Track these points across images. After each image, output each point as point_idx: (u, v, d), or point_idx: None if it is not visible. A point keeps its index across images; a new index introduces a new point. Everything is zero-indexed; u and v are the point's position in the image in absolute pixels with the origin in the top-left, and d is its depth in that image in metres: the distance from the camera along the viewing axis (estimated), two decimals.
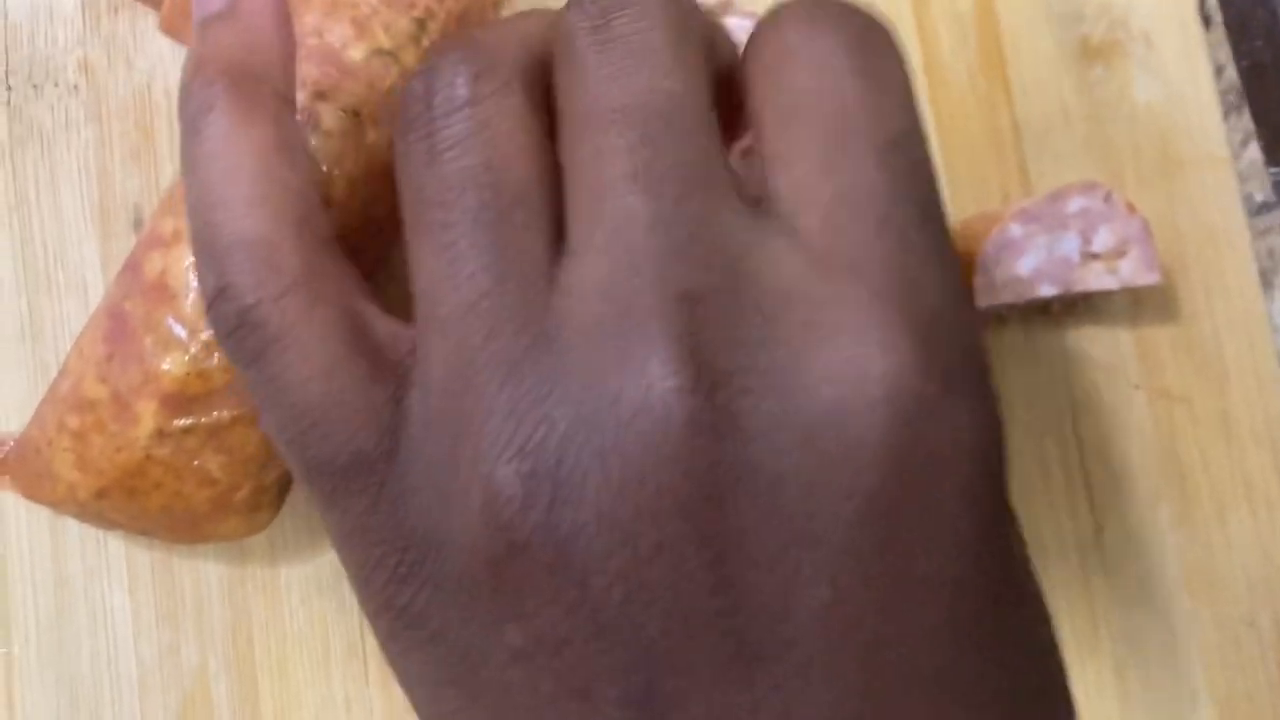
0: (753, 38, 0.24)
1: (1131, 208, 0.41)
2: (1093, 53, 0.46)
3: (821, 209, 0.22)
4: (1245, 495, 0.40)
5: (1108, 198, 0.41)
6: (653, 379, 0.20)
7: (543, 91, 0.24)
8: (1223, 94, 0.45)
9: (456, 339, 0.22)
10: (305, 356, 0.23)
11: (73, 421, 0.33)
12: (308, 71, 0.34)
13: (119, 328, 0.33)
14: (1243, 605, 0.39)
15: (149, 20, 0.39)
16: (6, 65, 0.39)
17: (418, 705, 0.24)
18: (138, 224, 0.38)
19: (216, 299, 0.23)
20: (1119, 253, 0.42)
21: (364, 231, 0.35)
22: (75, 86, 0.39)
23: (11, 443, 0.36)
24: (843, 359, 0.20)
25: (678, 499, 0.20)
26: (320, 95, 0.34)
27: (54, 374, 0.37)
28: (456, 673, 0.22)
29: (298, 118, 0.34)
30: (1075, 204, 0.42)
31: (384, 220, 0.36)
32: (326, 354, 0.23)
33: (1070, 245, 0.41)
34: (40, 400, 0.35)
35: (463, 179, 0.23)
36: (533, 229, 0.22)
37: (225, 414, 0.33)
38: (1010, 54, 0.46)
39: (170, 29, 0.39)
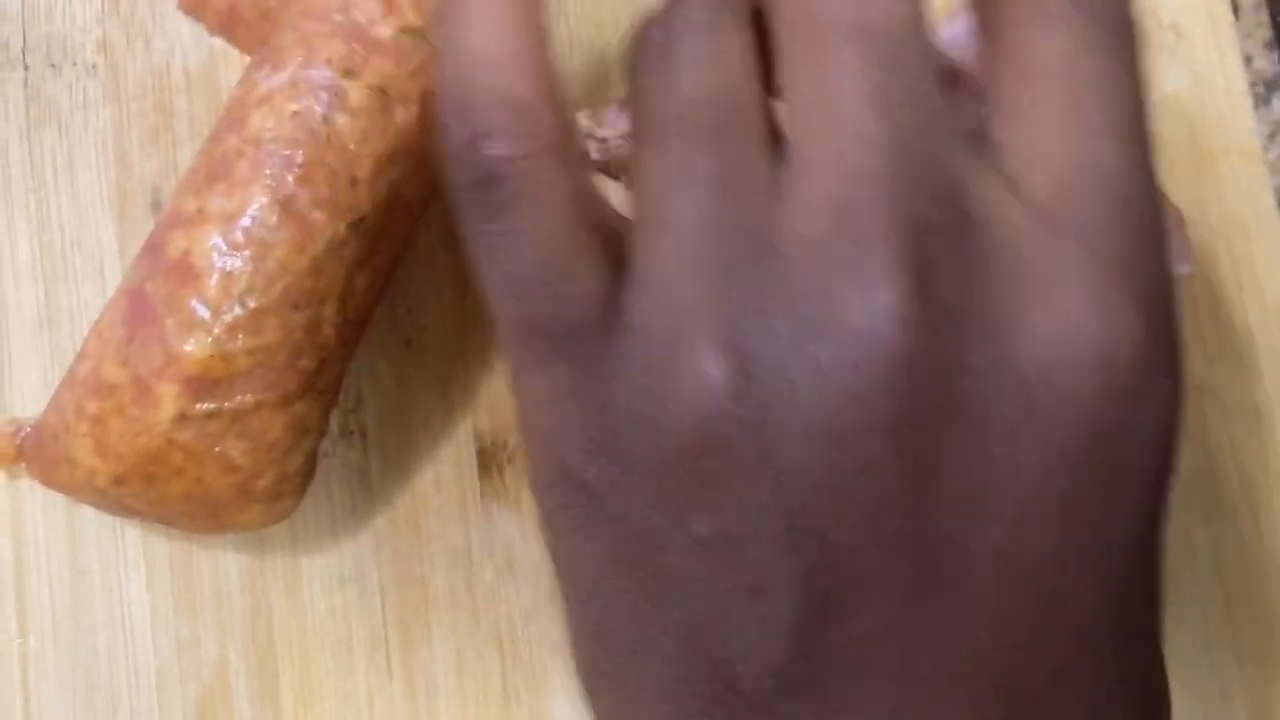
0: None
1: (1163, 197, 0.40)
2: None
3: (1054, 173, 0.23)
4: (1277, 488, 0.39)
5: None
6: (881, 302, 0.20)
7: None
8: (1252, 85, 0.45)
9: (680, 238, 0.22)
10: (549, 216, 0.23)
11: (91, 406, 0.33)
12: (334, 48, 0.33)
13: (140, 309, 0.32)
14: (1275, 601, 0.38)
15: (168, 0, 0.39)
16: (24, 43, 0.38)
17: (573, 585, 0.24)
18: (156, 206, 0.38)
19: (467, 148, 0.24)
20: None
21: (391, 213, 0.34)
22: (93, 66, 0.38)
23: (29, 429, 0.35)
24: (1063, 316, 0.21)
25: (889, 421, 0.20)
26: (348, 72, 0.33)
27: (70, 357, 0.37)
28: (630, 555, 0.22)
29: (323, 95, 0.33)
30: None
31: (411, 202, 0.35)
32: (568, 218, 0.23)
33: None
34: (58, 386, 0.34)
35: (697, 94, 0.23)
36: (757, 143, 0.23)
37: (249, 398, 0.33)
38: None
39: (190, 9, 0.38)
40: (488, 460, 0.38)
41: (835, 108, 0.22)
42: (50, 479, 0.34)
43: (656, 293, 0.23)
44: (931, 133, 0.22)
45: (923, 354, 0.20)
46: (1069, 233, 0.22)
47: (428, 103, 0.34)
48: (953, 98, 0.23)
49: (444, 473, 0.38)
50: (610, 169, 0.40)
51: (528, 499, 0.38)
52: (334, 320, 0.33)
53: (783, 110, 0.24)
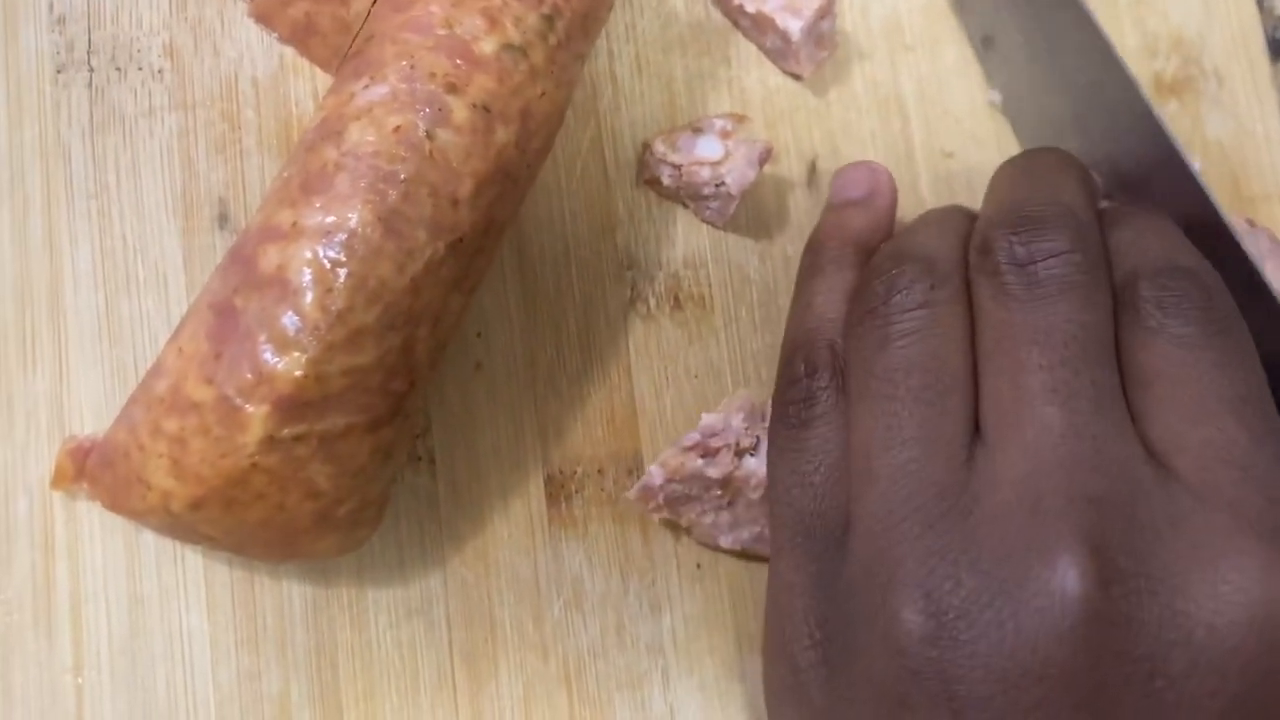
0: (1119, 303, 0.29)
1: (1273, 237, 0.41)
2: (1166, 89, 0.46)
3: (1192, 454, 0.26)
4: None
5: (1254, 226, 0.41)
6: (1062, 567, 0.24)
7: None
8: None
9: (884, 490, 0.27)
10: (837, 434, 0.30)
11: (171, 425, 0.31)
12: (437, 63, 0.32)
13: (228, 324, 0.31)
14: None
15: (238, 7, 0.37)
16: (89, 44, 0.36)
17: None
18: (222, 219, 0.36)
19: (794, 382, 0.32)
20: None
21: (487, 233, 0.33)
22: (160, 71, 0.36)
23: (92, 446, 0.33)
24: (1224, 579, 0.24)
25: (1064, 670, 0.23)
26: (451, 88, 0.32)
27: (132, 374, 0.35)
28: None
29: (426, 110, 0.32)
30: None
31: (504, 221, 0.34)
32: (829, 457, 0.31)
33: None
34: (126, 401, 0.32)
35: (909, 363, 0.28)
36: (959, 415, 0.28)
37: (339, 421, 0.31)
38: None
39: (261, 17, 0.37)
40: (556, 490, 0.37)
41: (1022, 397, 0.27)
42: (116, 501, 0.32)
43: (861, 540, 0.27)
44: (1106, 421, 0.26)
45: (1097, 611, 0.24)
46: (1218, 504, 0.26)
47: (527, 122, 0.33)
48: (1116, 385, 0.28)
49: (512, 502, 0.37)
50: (682, 194, 0.40)
51: (596, 529, 0.37)
52: (427, 342, 0.32)
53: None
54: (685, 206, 0.40)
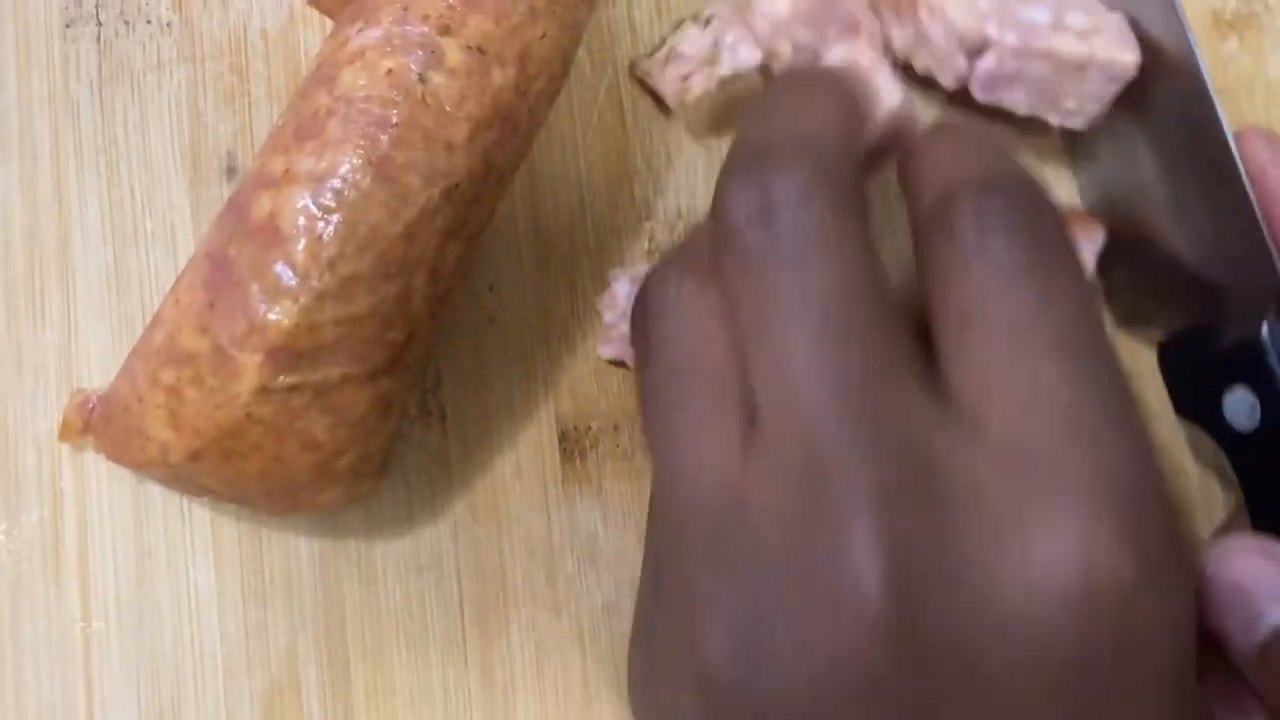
0: (924, 215, 0.25)
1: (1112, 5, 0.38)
2: (1225, 26, 0.44)
3: (1005, 410, 0.23)
4: None
5: None
6: (853, 572, 0.21)
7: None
8: None
9: (669, 510, 0.25)
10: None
11: (167, 376, 0.31)
12: (431, 4, 0.31)
13: (222, 273, 0.31)
14: None
15: None
16: None
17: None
18: (231, 171, 0.36)
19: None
20: (1094, 31, 0.38)
21: (485, 180, 0.32)
22: (168, 24, 0.36)
23: (96, 400, 0.33)
24: (1036, 554, 0.21)
25: (876, 677, 0.21)
26: (445, 30, 0.31)
27: (140, 327, 0.35)
28: None
29: (418, 53, 0.31)
30: None
31: (504, 170, 0.33)
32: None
33: (1039, 14, 0.38)
34: (129, 353, 0.32)
35: (668, 369, 0.26)
36: (727, 411, 0.24)
37: (334, 372, 0.31)
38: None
39: None
40: (570, 445, 0.36)
41: (787, 382, 0.23)
42: (119, 454, 0.32)
43: (656, 562, 0.26)
44: (886, 394, 0.23)
45: (900, 611, 0.21)
46: (1032, 468, 0.22)
47: (525, 64, 0.32)
48: (905, 344, 0.24)
49: (525, 457, 0.36)
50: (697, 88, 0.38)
51: (610, 485, 0.36)
52: (424, 292, 0.31)
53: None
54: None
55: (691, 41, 0.37)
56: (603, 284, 0.38)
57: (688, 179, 0.39)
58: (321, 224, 0.30)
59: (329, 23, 0.37)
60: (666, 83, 0.38)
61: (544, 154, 0.38)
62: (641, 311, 0.27)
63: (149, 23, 0.36)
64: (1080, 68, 0.38)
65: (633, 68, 0.39)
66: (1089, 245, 0.39)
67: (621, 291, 0.37)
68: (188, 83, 0.36)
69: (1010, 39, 0.37)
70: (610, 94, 0.39)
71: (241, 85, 0.36)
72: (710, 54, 0.37)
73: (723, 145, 0.39)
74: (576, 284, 0.38)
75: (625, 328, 0.36)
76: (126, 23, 0.36)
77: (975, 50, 0.39)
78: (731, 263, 0.25)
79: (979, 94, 0.39)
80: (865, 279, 0.24)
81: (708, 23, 0.37)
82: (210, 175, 0.36)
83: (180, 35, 0.36)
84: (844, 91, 0.28)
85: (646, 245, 0.38)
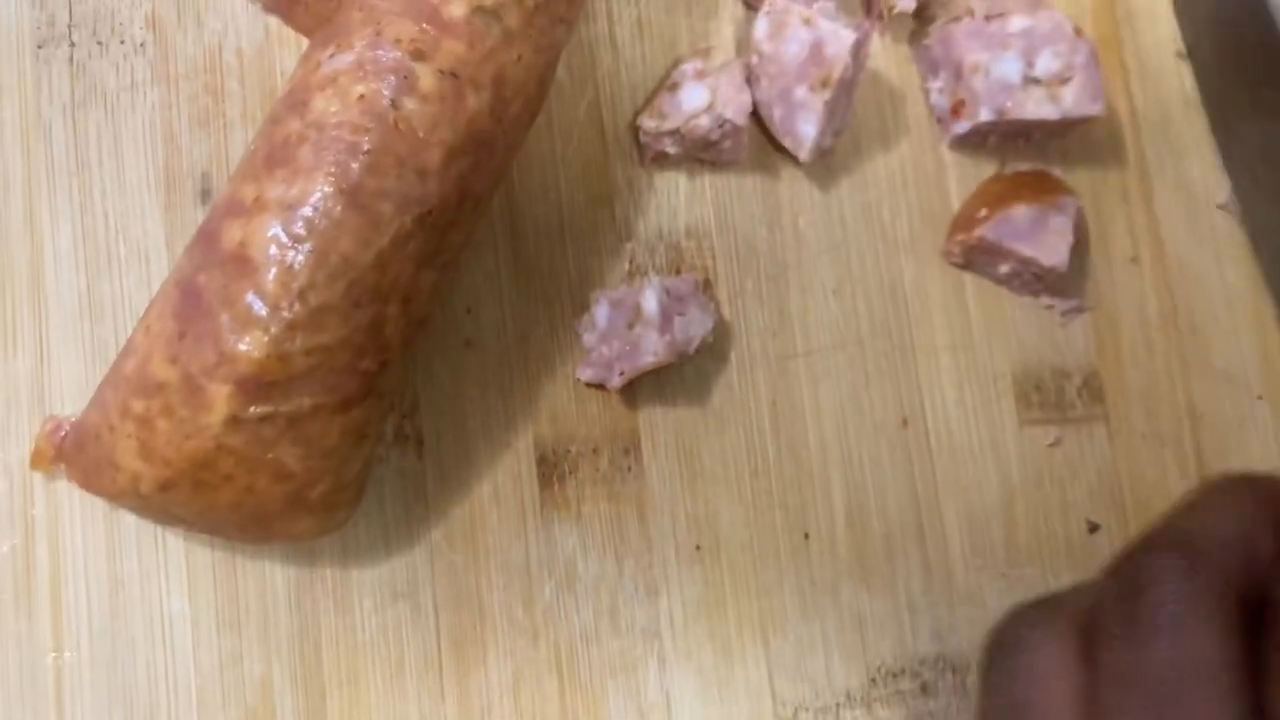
0: None
1: (1079, 31, 0.38)
2: None
3: None
4: None
5: (1053, 19, 0.39)
6: None
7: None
8: None
9: None
10: None
11: (137, 406, 0.30)
12: (404, 28, 0.31)
13: (191, 302, 0.30)
14: None
15: None
16: (70, 17, 0.36)
17: None
18: (205, 194, 0.35)
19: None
20: (1062, 79, 0.39)
21: (460, 206, 0.32)
22: (142, 44, 0.36)
23: (68, 427, 0.33)
24: None
25: None
26: (418, 55, 0.31)
27: (113, 354, 0.34)
28: None
29: (391, 78, 0.31)
30: (1017, 24, 0.39)
31: (479, 195, 0.33)
32: None
33: (1011, 68, 0.39)
34: (100, 382, 0.32)
35: (1004, 706, 0.27)
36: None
37: (306, 402, 0.30)
38: (1126, 38, 0.43)
39: None
40: (548, 470, 0.36)
41: None
42: (91, 483, 0.32)
43: None
44: None
45: None
46: None
47: (501, 89, 0.32)
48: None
49: (503, 483, 0.36)
50: (694, 154, 0.38)
51: (590, 510, 0.36)
52: (398, 320, 0.31)
53: None
54: (702, 162, 0.39)
55: (691, 99, 0.37)
56: (582, 306, 0.37)
57: (669, 199, 0.39)
58: (292, 253, 0.30)
59: (305, 42, 0.36)
60: (665, 144, 0.38)
61: (523, 173, 0.38)
62: (995, 641, 0.28)
63: (123, 43, 0.36)
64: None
65: (633, 125, 0.39)
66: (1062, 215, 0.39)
67: (601, 314, 0.36)
68: (161, 104, 0.36)
69: (985, 114, 0.38)
70: (590, 112, 0.39)
71: (216, 106, 0.36)
72: (707, 107, 0.37)
73: (705, 168, 0.39)
74: (556, 306, 0.37)
75: (605, 350, 0.36)
76: (100, 43, 0.36)
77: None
78: (1112, 629, 0.26)
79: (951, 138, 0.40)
80: (1208, 657, 0.25)
81: (702, 75, 0.38)
82: (184, 199, 0.35)
83: (154, 55, 0.36)
84: (1265, 495, 0.29)
85: (627, 266, 0.38)
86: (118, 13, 0.36)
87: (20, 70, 0.35)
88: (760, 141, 0.39)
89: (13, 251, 0.35)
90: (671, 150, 0.38)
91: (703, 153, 0.38)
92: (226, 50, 0.36)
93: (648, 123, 0.38)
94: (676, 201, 0.39)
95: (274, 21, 0.36)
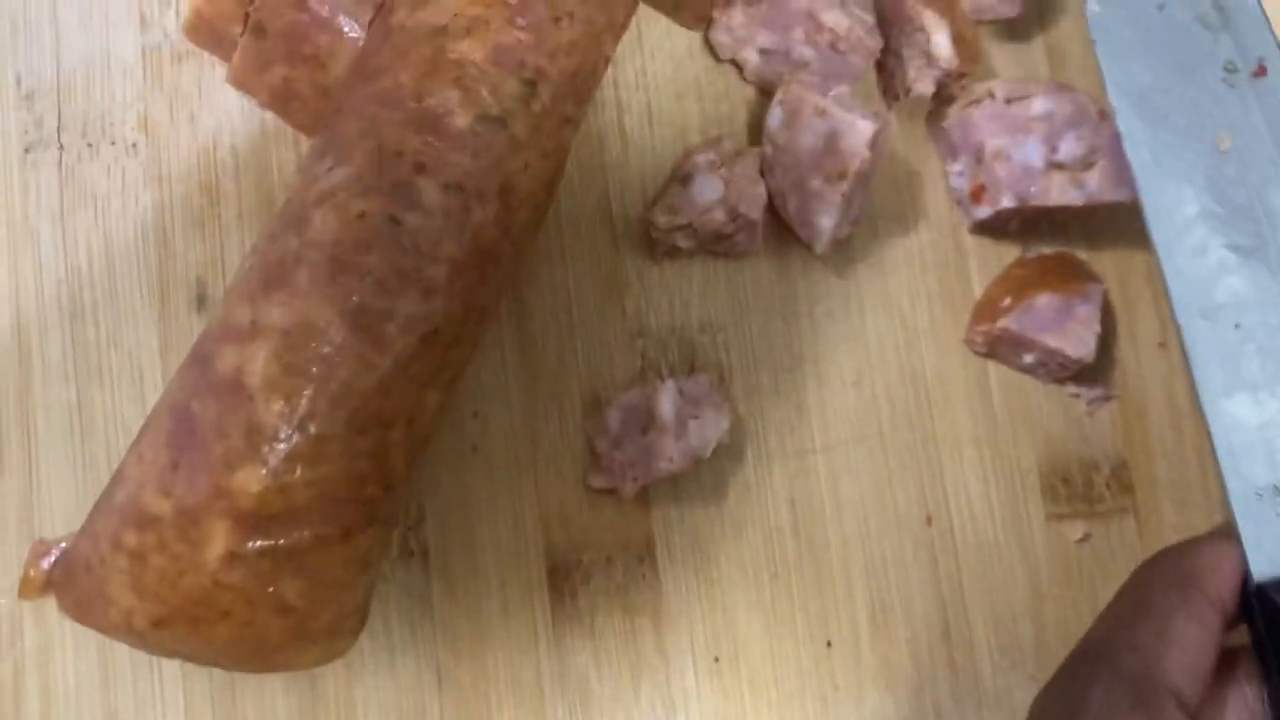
0: None
1: (1103, 114, 0.37)
2: None
3: None
4: None
5: (1075, 101, 0.38)
6: None
7: None
8: None
9: None
10: None
11: (130, 539, 0.29)
12: (406, 140, 0.29)
13: (185, 431, 0.29)
14: None
15: (216, 71, 0.35)
16: (59, 121, 0.34)
17: None
18: (200, 301, 0.34)
19: None
20: (1086, 164, 0.38)
21: (465, 321, 0.30)
22: (133, 145, 0.35)
23: (58, 552, 0.31)
24: None
25: None
26: (421, 169, 0.29)
27: (104, 470, 0.33)
28: None
29: (393, 193, 0.29)
30: (1039, 107, 0.38)
31: (487, 305, 0.32)
32: None
33: (1033, 152, 0.37)
34: (92, 508, 0.30)
35: None
36: None
37: (307, 534, 0.29)
38: None
39: (240, 82, 0.34)
40: (559, 581, 0.35)
41: None
42: (82, 615, 0.30)
43: None
44: None
45: None
46: None
47: (508, 198, 0.30)
48: None
49: (512, 596, 0.34)
50: (707, 248, 0.37)
51: (604, 623, 0.35)
52: (401, 444, 0.30)
53: None
54: (715, 253, 0.37)
55: (704, 192, 0.36)
56: (593, 406, 0.36)
57: (682, 292, 0.37)
58: (291, 381, 0.28)
59: (302, 139, 0.35)
60: (677, 238, 0.37)
61: (531, 268, 0.37)
62: None
63: (114, 144, 0.34)
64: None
65: (644, 217, 0.37)
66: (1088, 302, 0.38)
67: (614, 420, 0.35)
68: (154, 207, 0.34)
69: (1007, 201, 0.37)
70: (600, 204, 0.37)
71: (211, 208, 0.34)
72: (720, 200, 0.36)
73: (719, 258, 0.38)
74: (565, 408, 0.36)
75: (618, 456, 0.35)
76: (90, 145, 0.34)
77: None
78: None
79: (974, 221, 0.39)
80: None
81: (715, 167, 0.36)
82: (179, 306, 0.34)
83: (146, 156, 0.35)
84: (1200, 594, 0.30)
85: (639, 363, 0.37)
86: (109, 113, 0.34)
87: (6, 176, 0.34)
88: (776, 228, 0.38)
89: (3, 370, 0.33)
90: (684, 244, 0.37)
91: (716, 245, 0.37)
92: (221, 149, 0.35)
93: (660, 217, 0.36)
94: (690, 294, 0.37)
95: (270, 117, 0.35)
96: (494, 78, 0.30)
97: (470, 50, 0.30)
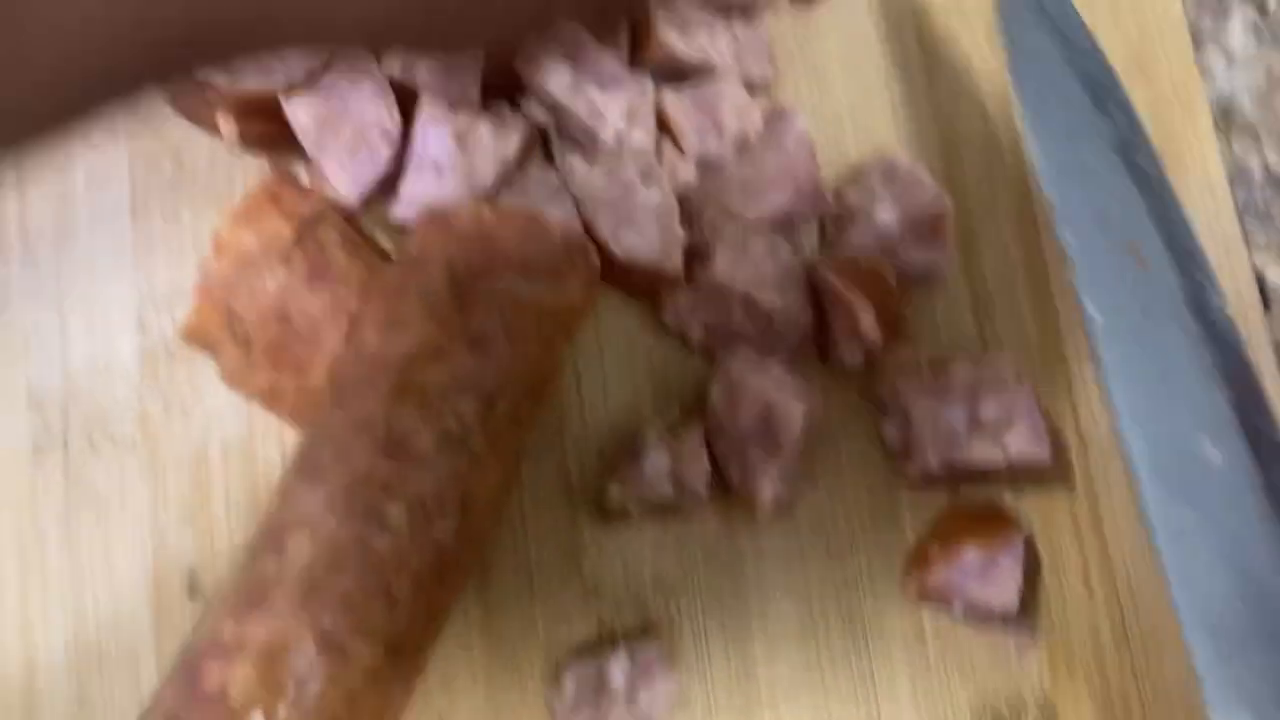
0: None
1: (1019, 376, 0.41)
2: None
3: None
4: None
5: (993, 364, 0.41)
6: None
7: None
8: None
9: None
10: None
11: None
12: (376, 465, 0.33)
13: None
14: None
15: (208, 369, 0.39)
16: (65, 424, 0.38)
17: None
18: (193, 590, 0.37)
19: None
20: (1006, 425, 0.41)
21: (427, 626, 0.34)
22: (133, 442, 0.38)
23: None
24: None
25: None
26: (387, 490, 0.33)
27: None
28: None
29: (362, 516, 0.33)
30: (961, 374, 0.41)
31: (446, 604, 0.35)
32: None
33: (957, 416, 0.41)
34: None
35: None
36: None
37: None
38: (1074, 362, 0.45)
39: (231, 381, 0.38)
40: None
41: None
42: None
43: None
44: None
45: None
46: None
47: (469, 508, 0.34)
48: None
49: None
50: (658, 514, 0.40)
51: None
52: None
53: None
54: (666, 512, 0.41)
55: (654, 465, 0.39)
56: (554, 673, 0.39)
57: (635, 553, 0.40)
58: (268, 696, 0.31)
59: (287, 434, 0.38)
60: (630, 506, 0.40)
61: (492, 537, 0.40)
62: None
63: (114, 443, 0.38)
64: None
65: (598, 485, 0.41)
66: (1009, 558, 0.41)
67: (570, 688, 0.38)
68: (150, 500, 0.38)
69: (933, 460, 0.41)
70: (559, 471, 0.41)
71: (203, 503, 0.38)
72: (669, 473, 0.39)
73: (671, 517, 0.41)
74: (526, 673, 0.39)
75: None
76: (92, 445, 0.38)
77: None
78: None
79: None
80: None
81: (663, 441, 0.40)
82: (173, 596, 0.37)
83: (143, 451, 0.38)
84: None
85: (596, 628, 0.40)
86: (110, 413, 0.38)
87: (16, 479, 0.38)
88: (725, 489, 0.41)
89: (6, 660, 0.37)
90: (635, 512, 0.40)
91: (665, 512, 0.40)
92: (211, 445, 0.38)
93: (614, 491, 0.40)
94: (642, 555, 0.40)
95: (257, 412, 0.39)
96: (454, 400, 0.34)
97: (434, 376, 0.34)
